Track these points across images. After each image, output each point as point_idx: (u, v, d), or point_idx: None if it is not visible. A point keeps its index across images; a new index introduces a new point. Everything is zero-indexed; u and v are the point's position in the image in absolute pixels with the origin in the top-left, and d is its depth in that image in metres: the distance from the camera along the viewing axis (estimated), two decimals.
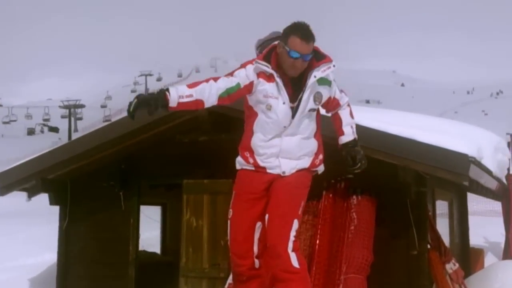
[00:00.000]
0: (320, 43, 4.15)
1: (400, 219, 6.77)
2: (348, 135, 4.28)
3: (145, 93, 4.03)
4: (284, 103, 4.07)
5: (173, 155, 8.08)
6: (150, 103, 3.86)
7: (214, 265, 7.57)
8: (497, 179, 8.20)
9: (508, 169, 9.43)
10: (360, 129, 6.43)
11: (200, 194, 7.78)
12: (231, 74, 4.18)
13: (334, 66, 4.13)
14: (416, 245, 6.70)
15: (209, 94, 4.07)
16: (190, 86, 4.06)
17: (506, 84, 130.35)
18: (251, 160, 4.20)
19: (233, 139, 7.55)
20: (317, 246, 6.75)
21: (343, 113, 4.31)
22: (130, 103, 3.84)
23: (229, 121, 7.48)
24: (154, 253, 10.48)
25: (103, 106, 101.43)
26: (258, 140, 4.17)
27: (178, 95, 3.96)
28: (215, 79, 4.13)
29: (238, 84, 4.13)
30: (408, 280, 6.78)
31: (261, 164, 4.15)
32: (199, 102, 4.06)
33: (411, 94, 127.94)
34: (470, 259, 9.38)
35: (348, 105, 4.37)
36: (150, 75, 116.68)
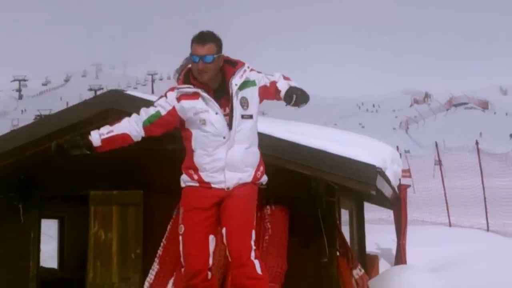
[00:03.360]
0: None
1: (311, 228, 7.05)
2: (284, 88, 4.16)
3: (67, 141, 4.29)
4: (216, 113, 4.15)
5: (78, 166, 7.86)
6: (72, 150, 4.18)
7: (124, 278, 7.47)
8: (393, 189, 8.74)
9: (400, 179, 10.06)
10: (274, 140, 6.77)
11: (108, 206, 7.65)
12: (153, 104, 4.31)
13: (248, 67, 4.24)
14: (326, 253, 7.00)
15: (131, 126, 4.22)
16: (112, 123, 4.29)
17: (382, 100, 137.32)
18: (195, 177, 4.23)
19: (143, 149, 7.62)
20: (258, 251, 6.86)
21: (279, 83, 4.23)
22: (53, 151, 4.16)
23: None
24: (52, 269, 10.11)
25: None
26: (200, 157, 4.19)
27: (98, 134, 4.21)
28: (138, 112, 4.29)
29: (158, 111, 4.23)
30: (318, 286, 7.06)
31: (206, 179, 4.19)
32: (124, 136, 4.23)
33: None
34: (367, 265, 9.89)
35: (280, 76, 4.29)
36: (24, 80, 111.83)
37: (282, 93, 4.12)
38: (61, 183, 8.02)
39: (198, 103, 4.17)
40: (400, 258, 10.24)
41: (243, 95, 4.19)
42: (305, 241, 7.14)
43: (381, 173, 6.62)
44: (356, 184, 6.56)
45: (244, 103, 4.18)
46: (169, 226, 7.22)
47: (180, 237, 4.23)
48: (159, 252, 7.23)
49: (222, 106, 4.17)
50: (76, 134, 7.58)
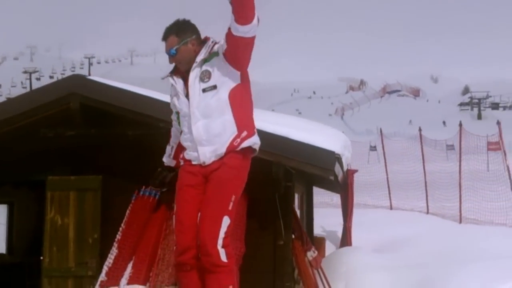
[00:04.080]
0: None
1: (268, 212, 7.27)
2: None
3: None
4: (180, 95, 4.32)
5: (36, 150, 7.84)
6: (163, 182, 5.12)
7: (81, 263, 7.49)
8: (343, 174, 9.08)
9: (348, 165, 10.42)
10: None
11: (66, 191, 7.63)
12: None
13: (212, 42, 4.30)
14: (282, 236, 7.23)
15: (177, 132, 4.62)
16: (168, 143, 4.92)
17: (318, 86, 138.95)
18: (181, 156, 4.42)
19: (103, 134, 7.64)
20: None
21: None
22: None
23: (102, 116, 7.49)
24: (1, 254, 9.98)
25: None
26: (181, 137, 4.43)
27: (168, 155, 4.96)
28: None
29: (176, 112, 4.46)
30: (274, 268, 7.30)
31: (186, 157, 4.33)
32: (179, 148, 4.55)
33: None
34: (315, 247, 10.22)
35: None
36: None
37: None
38: (16, 168, 7.94)
39: (173, 90, 4.43)
40: (346, 240, 10.62)
41: (206, 68, 4.22)
42: (262, 225, 7.35)
43: (339, 159, 6.90)
44: (317, 170, 6.80)
45: (205, 75, 4.20)
46: (127, 211, 7.28)
47: (174, 216, 4.35)
48: (118, 236, 7.26)
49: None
50: (37, 119, 7.59)
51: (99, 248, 7.45)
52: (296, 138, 6.85)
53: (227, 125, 4.17)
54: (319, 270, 7.55)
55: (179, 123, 4.46)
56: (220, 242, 4.11)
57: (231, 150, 4.19)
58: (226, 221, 4.16)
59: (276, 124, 7.23)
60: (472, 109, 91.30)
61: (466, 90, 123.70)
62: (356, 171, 11.11)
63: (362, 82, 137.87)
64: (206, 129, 4.17)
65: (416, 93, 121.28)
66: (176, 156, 4.70)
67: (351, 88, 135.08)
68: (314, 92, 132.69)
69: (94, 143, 7.66)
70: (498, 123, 13.33)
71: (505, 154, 12.87)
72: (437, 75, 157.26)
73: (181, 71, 4.36)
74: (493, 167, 17.09)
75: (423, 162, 16.48)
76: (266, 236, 7.33)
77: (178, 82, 4.34)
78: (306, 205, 10.00)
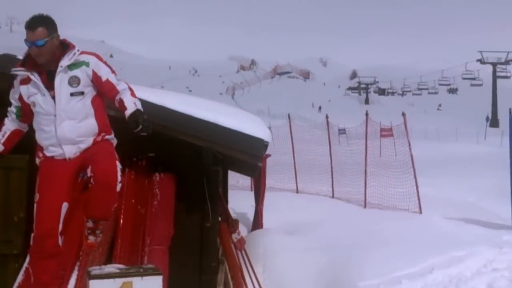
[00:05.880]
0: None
1: (196, 195, 7.67)
2: (131, 108, 4.66)
3: None
4: (44, 94, 4.63)
5: None
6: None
7: (7, 241, 7.55)
8: None
9: None
10: (167, 112, 7.26)
11: None
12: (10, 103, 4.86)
13: (78, 50, 4.73)
14: (209, 219, 7.67)
15: (13, 123, 4.86)
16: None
17: (209, 65, 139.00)
18: (40, 155, 4.80)
19: None
20: (121, 221, 7.30)
21: (124, 96, 4.74)
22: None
23: None
24: None
25: None
26: (39, 135, 4.75)
27: None
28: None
29: (16, 106, 4.80)
30: (200, 250, 7.73)
31: (48, 154, 4.72)
32: (17, 131, 4.88)
33: (119, 66, 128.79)
34: None
35: (129, 90, 4.80)
36: None
37: (127, 113, 4.63)
38: None
39: (29, 87, 4.68)
40: (257, 222, 11.22)
41: (74, 74, 4.64)
42: (190, 207, 7.75)
43: (267, 146, 7.42)
44: (247, 157, 7.28)
45: (74, 81, 4.63)
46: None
47: (35, 204, 4.74)
48: None
49: (50, 87, 4.65)
50: None
51: (25, 226, 7.54)
52: (224, 124, 7.30)
53: (90, 127, 4.71)
54: (243, 251, 8.07)
55: (18, 116, 4.81)
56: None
57: (95, 143, 4.79)
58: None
59: (204, 110, 7.64)
60: (360, 94, 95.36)
61: (354, 75, 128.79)
62: (269, 155, 11.68)
63: (253, 62, 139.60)
64: (71, 129, 4.62)
65: (306, 75, 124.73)
66: (8, 143, 4.95)
67: (242, 68, 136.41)
68: (205, 70, 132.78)
69: None
70: (403, 114, 14.42)
71: (409, 144, 13.97)
72: (326, 59, 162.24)
73: (33, 65, 4.63)
74: (385, 152, 18.41)
75: (330, 148, 17.43)
76: (194, 218, 7.74)
77: (37, 80, 4.62)
78: (222, 188, 10.46)
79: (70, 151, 4.64)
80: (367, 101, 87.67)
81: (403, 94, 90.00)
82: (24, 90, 4.67)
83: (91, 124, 4.67)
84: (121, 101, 4.69)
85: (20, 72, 4.62)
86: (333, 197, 15.54)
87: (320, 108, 79.22)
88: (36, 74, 4.57)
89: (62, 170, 4.67)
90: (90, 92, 4.65)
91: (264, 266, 8.70)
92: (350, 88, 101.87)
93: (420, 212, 12.86)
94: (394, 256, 8.47)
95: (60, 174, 4.67)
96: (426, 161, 16.45)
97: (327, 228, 10.55)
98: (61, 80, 4.58)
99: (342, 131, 26.09)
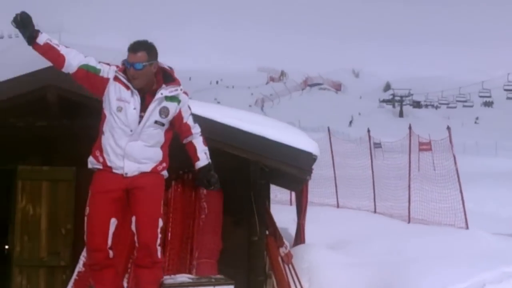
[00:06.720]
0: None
1: (244, 208, 7.81)
2: (203, 160, 5.04)
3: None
4: (134, 108, 4.80)
5: (4, 140, 7.99)
6: (22, 23, 4.59)
7: (54, 253, 7.78)
8: None
9: None
10: (216, 125, 7.41)
11: (37, 181, 7.88)
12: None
13: (181, 89, 4.98)
14: (257, 232, 7.80)
15: (73, 58, 4.78)
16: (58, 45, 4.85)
17: (237, 76, 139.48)
18: (100, 159, 4.86)
19: (74, 125, 7.91)
20: (169, 234, 7.47)
21: (197, 142, 5.07)
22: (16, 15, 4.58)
23: (76, 107, 7.77)
24: None
25: None
26: (106, 140, 4.83)
27: (47, 37, 4.71)
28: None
29: (99, 70, 4.84)
30: (248, 263, 7.86)
31: (108, 163, 4.82)
32: (62, 57, 4.75)
33: None
34: None
35: (201, 135, 5.16)
36: None
37: (199, 165, 4.98)
38: None
39: (124, 92, 4.81)
40: (299, 237, 11.28)
41: (167, 105, 4.87)
42: (237, 221, 7.90)
43: (315, 159, 7.53)
44: (296, 170, 7.41)
45: (164, 112, 4.85)
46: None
47: (85, 218, 4.88)
48: None
49: (142, 106, 4.82)
50: (10, 109, 7.76)
51: (72, 238, 7.76)
52: (272, 137, 7.43)
53: (156, 154, 4.91)
54: (290, 265, 8.17)
55: (78, 64, 4.79)
56: (158, 241, 4.88)
57: (154, 172, 4.96)
58: (160, 222, 4.94)
59: (250, 123, 7.78)
60: (394, 106, 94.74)
61: (387, 87, 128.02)
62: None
63: (282, 73, 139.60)
64: (140, 149, 4.80)
65: (337, 87, 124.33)
66: (47, 49, 4.76)
67: (272, 79, 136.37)
68: (234, 82, 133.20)
69: (67, 134, 7.92)
70: (448, 128, 14.42)
71: (454, 158, 13.95)
72: (359, 70, 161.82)
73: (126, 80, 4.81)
74: (423, 166, 18.35)
75: (371, 162, 17.45)
76: (241, 232, 7.88)
77: (136, 94, 4.80)
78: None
79: (130, 168, 4.79)
80: (401, 114, 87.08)
81: (437, 107, 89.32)
82: (118, 88, 4.79)
83: (157, 151, 4.88)
84: (192, 145, 5.03)
85: (123, 79, 4.78)
86: (375, 212, 15.58)
87: (351, 122, 78.92)
88: (135, 90, 4.78)
89: (115, 185, 4.82)
90: (167, 125, 4.90)
91: (310, 281, 8.78)
92: (383, 101, 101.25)
93: (467, 228, 12.85)
94: (444, 271, 8.49)
95: (112, 189, 4.83)
96: (467, 175, 16.35)
97: (372, 243, 10.59)
98: (154, 108, 4.80)
99: (377, 145, 26.05)
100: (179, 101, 4.90)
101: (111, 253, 4.91)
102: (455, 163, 13.96)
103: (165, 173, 5.03)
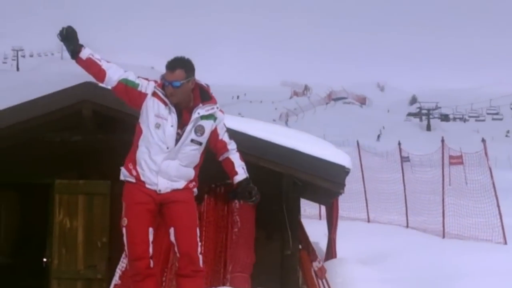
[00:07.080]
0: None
1: (276, 222, 7.93)
2: (241, 174, 5.06)
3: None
4: (172, 126, 4.89)
5: (41, 154, 8.24)
6: (67, 37, 4.75)
7: (90, 266, 7.98)
8: None
9: None
10: (250, 139, 7.57)
11: (74, 195, 8.10)
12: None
13: (217, 107, 5.04)
14: (290, 246, 7.90)
15: (114, 72, 4.88)
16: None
17: (261, 91, 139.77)
18: (134, 172, 4.90)
19: (109, 139, 8.13)
20: (202, 247, 7.60)
21: (234, 157, 5.10)
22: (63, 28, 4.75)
23: (110, 122, 7.99)
24: None
25: None
26: (142, 153, 4.90)
27: (90, 51, 4.85)
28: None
29: (138, 84, 4.95)
30: (281, 277, 7.96)
31: (142, 178, 4.89)
32: (103, 72, 4.86)
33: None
34: None
35: (237, 151, 5.20)
36: None
37: (238, 179, 5.02)
38: (19, 171, 8.31)
39: (163, 109, 4.90)
40: (331, 251, 11.35)
41: (202, 124, 4.94)
42: (270, 234, 8.02)
43: (348, 172, 7.63)
44: (329, 184, 7.52)
45: (200, 130, 4.93)
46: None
47: (124, 229, 4.95)
48: None
49: (179, 123, 4.91)
50: (47, 124, 8.01)
51: (108, 251, 7.95)
52: (305, 151, 7.54)
53: (190, 174, 5.00)
54: (323, 280, 8.25)
55: (134, 85, 4.88)
56: (199, 249, 4.94)
57: (186, 188, 5.03)
58: (198, 232, 5.03)
59: (282, 136, 7.92)
60: (421, 120, 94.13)
61: (413, 100, 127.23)
62: None
63: (306, 88, 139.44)
64: (176, 169, 4.90)
65: (362, 101, 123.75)
66: (88, 63, 4.87)
67: (295, 94, 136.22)
68: (258, 96, 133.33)
69: (102, 148, 8.13)
70: (483, 140, 14.33)
71: (490, 170, 13.87)
72: (384, 84, 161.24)
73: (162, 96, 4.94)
74: (454, 180, 18.27)
75: (403, 176, 17.45)
76: (274, 246, 8.00)
77: (174, 112, 4.89)
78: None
79: (164, 185, 4.89)
80: (428, 128, 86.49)
81: (465, 120, 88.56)
82: (156, 104, 4.88)
83: (190, 171, 4.98)
84: (229, 160, 5.08)
85: (161, 95, 4.87)
86: (407, 226, 15.57)
87: (379, 135, 78.51)
88: (173, 106, 4.87)
89: (148, 199, 4.92)
90: (204, 145, 4.98)
91: None
92: (410, 114, 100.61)
93: (505, 243, 12.78)
94: None
95: (146, 202, 4.93)
96: (501, 190, 16.24)
97: (405, 258, 10.61)
98: (192, 126, 4.91)
99: (405, 159, 25.99)
100: (215, 119, 4.99)
101: (152, 262, 4.98)
102: (491, 176, 13.85)
103: (195, 190, 5.14)
